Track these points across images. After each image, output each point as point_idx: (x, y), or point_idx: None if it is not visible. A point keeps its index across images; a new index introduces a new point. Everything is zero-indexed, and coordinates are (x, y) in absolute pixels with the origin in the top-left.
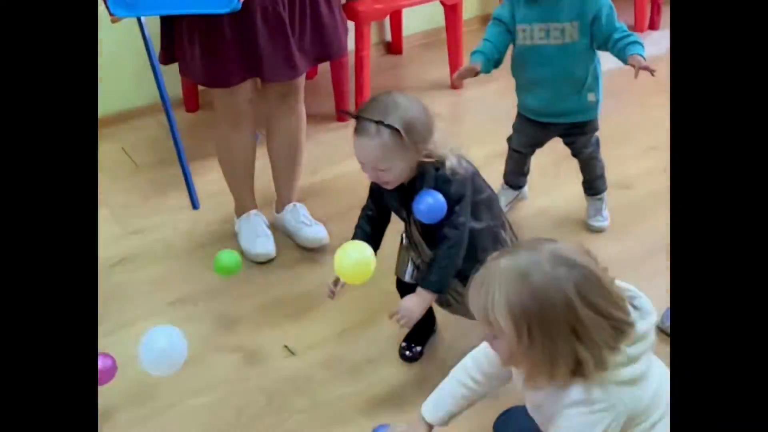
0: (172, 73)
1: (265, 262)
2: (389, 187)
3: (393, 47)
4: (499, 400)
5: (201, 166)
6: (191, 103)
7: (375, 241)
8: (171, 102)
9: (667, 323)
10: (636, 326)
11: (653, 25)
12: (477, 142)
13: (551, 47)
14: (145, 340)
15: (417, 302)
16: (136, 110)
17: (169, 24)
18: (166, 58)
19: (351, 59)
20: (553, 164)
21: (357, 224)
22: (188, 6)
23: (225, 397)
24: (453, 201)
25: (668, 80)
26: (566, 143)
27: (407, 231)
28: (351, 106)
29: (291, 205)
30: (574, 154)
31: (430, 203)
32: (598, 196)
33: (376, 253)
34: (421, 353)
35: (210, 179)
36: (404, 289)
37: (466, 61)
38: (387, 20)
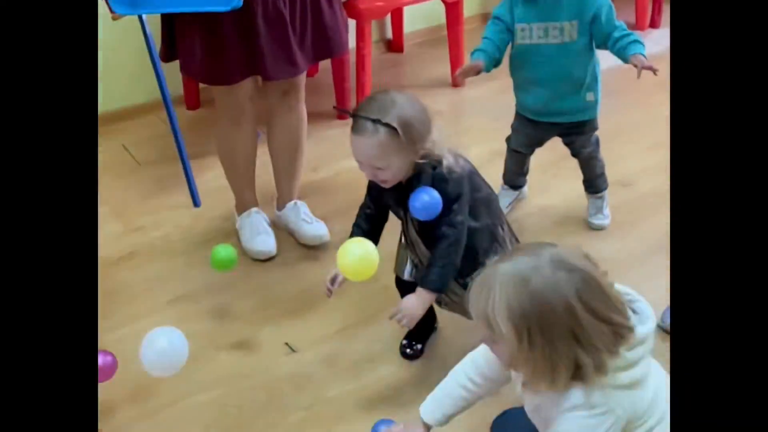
0: (173, 71)
1: (266, 260)
2: (387, 185)
3: (394, 45)
4: (498, 401)
5: (202, 163)
6: (192, 100)
7: (372, 239)
8: (172, 99)
9: (667, 321)
10: (635, 330)
11: (654, 24)
12: (478, 141)
13: (550, 46)
14: (146, 340)
15: (417, 302)
16: (137, 107)
17: (169, 21)
18: (167, 55)
19: (352, 57)
20: (553, 162)
21: (355, 222)
22: (189, 4)
23: (226, 394)
24: (451, 200)
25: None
26: (565, 143)
27: (404, 230)
28: (352, 104)
29: (292, 202)
30: (574, 154)
31: (426, 200)
32: (599, 195)
33: None
34: (421, 351)
35: (211, 177)
36: (403, 287)
37: (466, 60)
38: (388, 18)
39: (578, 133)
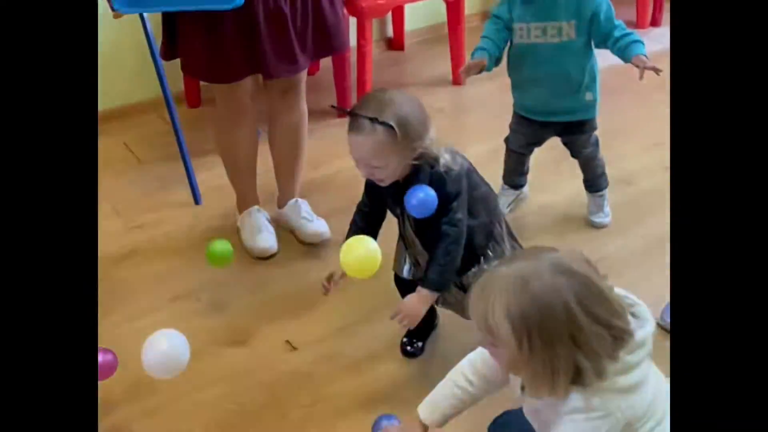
0: (174, 69)
1: (267, 258)
2: (384, 184)
3: (395, 43)
4: (496, 403)
5: (203, 161)
6: (193, 98)
7: (370, 237)
8: (173, 97)
9: (667, 319)
10: (635, 334)
11: (655, 22)
12: (478, 138)
13: (548, 46)
14: (148, 343)
15: (418, 302)
16: (138, 105)
17: (170, 20)
18: (168, 53)
19: (353, 55)
20: (554, 161)
21: (352, 220)
22: (191, 2)
23: (226, 392)
24: (449, 198)
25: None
26: (564, 143)
27: (401, 228)
28: (353, 103)
29: (293, 200)
30: (574, 155)
31: (422, 198)
32: (600, 193)
33: None
34: (422, 348)
35: (212, 175)
36: (402, 284)
37: (467, 58)
38: (389, 16)
39: (577, 133)
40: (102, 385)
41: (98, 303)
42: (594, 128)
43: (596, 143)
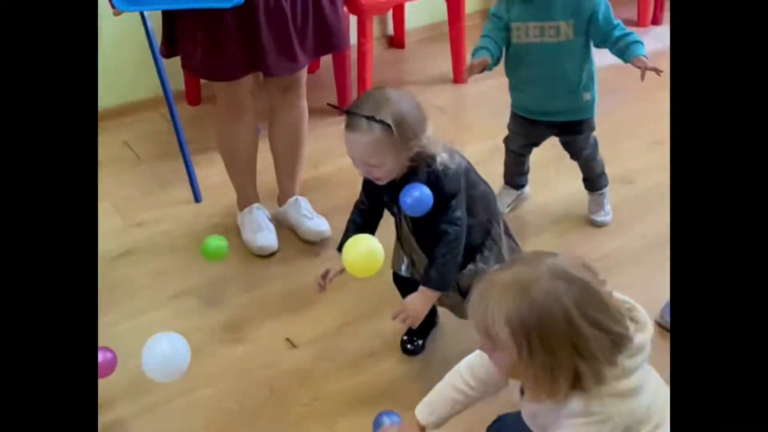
0: (174, 66)
1: (267, 256)
2: (381, 182)
3: (395, 41)
4: (494, 404)
5: (203, 159)
6: (193, 96)
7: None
8: (173, 95)
9: (667, 318)
10: (634, 339)
11: (656, 21)
12: (479, 137)
13: (546, 46)
14: (148, 346)
15: (420, 301)
16: (138, 103)
17: (171, 17)
18: (168, 51)
19: (353, 53)
20: (554, 160)
21: (349, 218)
22: (192, 1)
23: (227, 389)
24: (447, 197)
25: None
26: (563, 144)
27: (397, 226)
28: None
29: (293, 198)
30: (573, 156)
31: (417, 196)
32: (599, 192)
33: None
34: (422, 346)
35: (212, 172)
36: (401, 282)
37: (468, 56)
38: (389, 14)
39: (575, 133)
40: (101, 383)
41: (98, 301)
42: (592, 128)
43: (595, 144)
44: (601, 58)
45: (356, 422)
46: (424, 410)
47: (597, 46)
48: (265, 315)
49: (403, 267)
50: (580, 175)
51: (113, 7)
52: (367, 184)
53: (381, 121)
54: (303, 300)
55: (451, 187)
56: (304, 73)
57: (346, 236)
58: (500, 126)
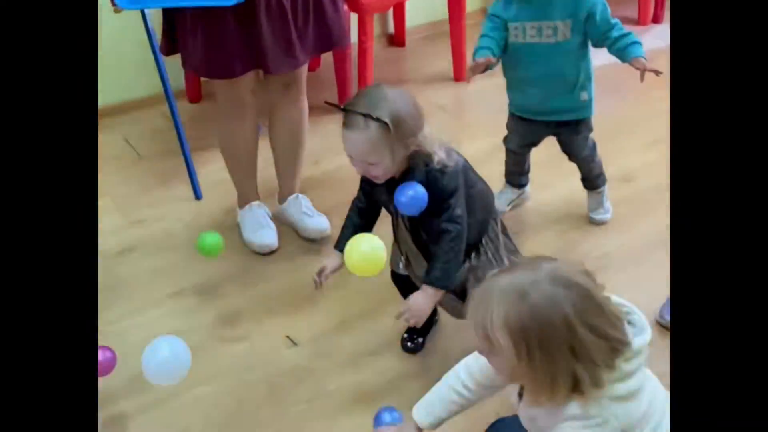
0: (174, 64)
1: (268, 254)
2: (378, 180)
3: (396, 39)
4: (495, 402)
5: (203, 156)
6: (194, 93)
7: (364, 233)
8: (174, 92)
9: (667, 317)
10: (632, 343)
11: (656, 19)
12: (480, 135)
13: (543, 45)
14: (149, 350)
15: (424, 300)
16: (138, 101)
17: (171, 15)
18: (168, 49)
19: (354, 51)
20: (554, 158)
21: (347, 215)
22: None
23: (227, 387)
24: (447, 195)
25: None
26: (561, 144)
27: (394, 225)
28: None
29: (293, 196)
30: (571, 158)
31: (411, 195)
32: (598, 190)
33: None
34: (422, 344)
35: (212, 170)
36: (399, 280)
37: (468, 55)
38: (390, 12)
39: (573, 133)
40: (101, 380)
41: (98, 298)
42: (590, 129)
43: (593, 146)
44: (601, 56)
45: (356, 420)
46: (421, 411)
47: (595, 45)
48: (265, 313)
49: (401, 265)
50: (579, 174)
51: (114, 4)
52: (365, 183)
53: (378, 119)
54: (303, 298)
55: (450, 185)
56: (304, 71)
57: (344, 234)
58: (501, 124)
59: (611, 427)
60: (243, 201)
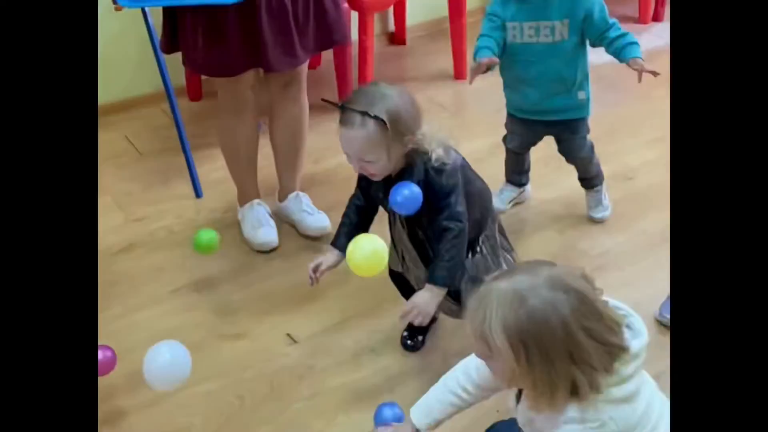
0: (175, 61)
1: (268, 251)
2: (376, 179)
3: (396, 37)
4: (493, 402)
5: (204, 154)
6: (194, 91)
7: (361, 230)
8: (174, 90)
9: (667, 315)
10: (630, 346)
11: (657, 17)
12: (480, 133)
13: (541, 45)
14: (149, 355)
15: (428, 299)
16: (139, 98)
17: (172, 13)
18: (168, 46)
19: (354, 50)
20: (554, 156)
21: (344, 213)
22: None
23: (227, 384)
24: (446, 192)
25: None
26: (559, 143)
27: (391, 223)
28: None
29: (294, 194)
30: (569, 160)
31: (406, 195)
32: (596, 189)
33: None
34: (423, 342)
35: (213, 168)
36: (397, 278)
37: (469, 53)
38: (391, 10)
39: (571, 133)
40: (102, 378)
41: (99, 295)
42: (587, 130)
43: (591, 148)
44: (602, 54)
45: (356, 418)
46: (419, 412)
47: (593, 45)
48: (265, 310)
49: (399, 263)
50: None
51: (115, 2)
52: (363, 180)
53: (375, 117)
54: (303, 296)
55: (449, 183)
56: (304, 69)
57: (341, 231)
58: (501, 122)
59: (609, 429)
60: (243, 199)
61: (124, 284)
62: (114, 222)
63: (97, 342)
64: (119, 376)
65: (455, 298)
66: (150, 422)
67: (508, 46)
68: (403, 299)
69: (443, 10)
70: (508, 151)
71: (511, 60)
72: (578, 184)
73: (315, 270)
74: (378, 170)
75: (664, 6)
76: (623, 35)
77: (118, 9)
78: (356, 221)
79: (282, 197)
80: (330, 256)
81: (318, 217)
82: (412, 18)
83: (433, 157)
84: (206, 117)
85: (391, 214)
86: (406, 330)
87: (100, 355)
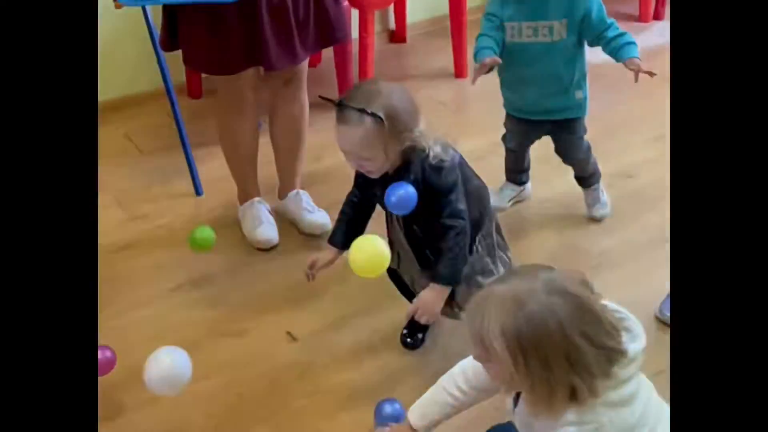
0: (175, 59)
1: (268, 249)
2: (373, 176)
3: (397, 35)
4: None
5: (204, 152)
6: (195, 89)
7: (358, 227)
8: (174, 88)
9: (667, 313)
10: (628, 352)
11: (657, 16)
12: (480, 131)
13: (539, 45)
14: (150, 361)
15: (433, 297)
16: (139, 96)
17: (172, 11)
18: (168, 44)
19: (355, 47)
20: (554, 155)
21: (341, 210)
22: None
23: (227, 382)
24: (446, 190)
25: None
26: (556, 143)
27: (388, 221)
28: None
29: (294, 191)
30: (566, 161)
31: (401, 195)
32: (593, 187)
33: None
34: (422, 340)
35: (213, 166)
36: (394, 275)
37: (469, 51)
38: (391, 8)
39: (568, 133)
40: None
41: (99, 293)
42: (584, 130)
43: (588, 148)
44: (601, 53)
45: (356, 415)
46: (416, 413)
47: (590, 44)
48: (265, 308)
49: (395, 260)
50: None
51: (115, 0)
52: (360, 177)
53: (372, 114)
54: (303, 293)
55: (449, 180)
56: (305, 67)
57: (338, 228)
58: (502, 121)
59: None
60: (243, 197)
61: (125, 282)
62: (114, 220)
63: (97, 339)
64: (119, 373)
65: (449, 298)
66: (150, 419)
67: (507, 45)
68: (402, 297)
69: (444, 8)
70: (507, 149)
71: (509, 60)
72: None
73: (312, 266)
74: (375, 167)
75: (664, 4)
76: (621, 35)
77: (118, 7)
78: (353, 218)
79: (282, 195)
80: (326, 252)
81: (318, 215)
82: (412, 16)
83: (431, 154)
84: (206, 115)
85: (389, 213)
86: (405, 328)
87: (100, 355)
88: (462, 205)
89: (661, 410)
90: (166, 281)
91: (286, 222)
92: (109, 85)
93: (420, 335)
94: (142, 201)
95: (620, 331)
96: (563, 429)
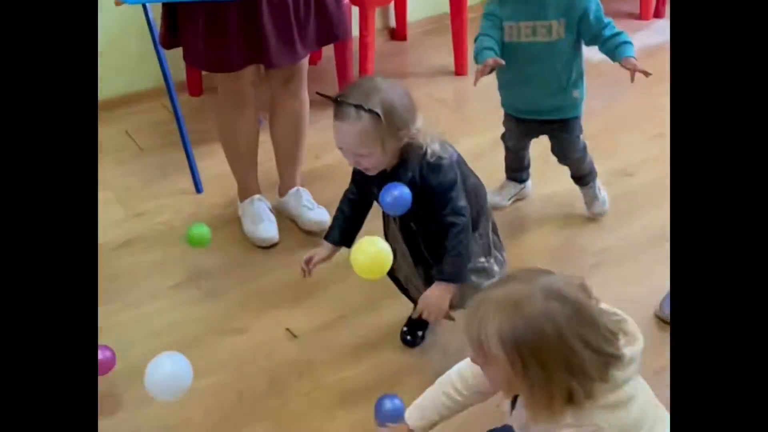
0: (176, 57)
1: (268, 247)
2: (370, 173)
3: (397, 33)
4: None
5: (204, 149)
6: (195, 86)
7: (355, 224)
8: (175, 85)
9: (667, 311)
10: (625, 355)
11: (658, 14)
12: (481, 129)
13: (538, 45)
14: (151, 366)
15: (439, 295)
16: (139, 93)
17: (172, 9)
18: (169, 42)
19: (355, 45)
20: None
21: (338, 207)
22: None
23: (227, 379)
24: (445, 187)
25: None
26: (553, 142)
27: (384, 219)
28: None
29: (294, 189)
30: (562, 161)
31: (396, 195)
32: (590, 185)
33: (355, 237)
34: (422, 338)
35: (213, 163)
36: (391, 273)
37: (470, 49)
38: (392, 6)
39: (565, 132)
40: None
41: (99, 290)
42: (581, 129)
43: (584, 148)
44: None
45: (356, 413)
46: (414, 414)
47: (587, 44)
48: (265, 305)
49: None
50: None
51: None
52: (357, 174)
53: (370, 110)
54: (303, 291)
55: (448, 178)
56: (305, 65)
57: (335, 225)
58: (502, 119)
59: None
60: (244, 194)
61: (124, 279)
62: (114, 217)
63: (97, 337)
64: (119, 371)
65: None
66: (149, 417)
67: (505, 45)
68: (402, 295)
69: (444, 5)
70: (506, 148)
71: (507, 59)
72: None
73: (308, 262)
74: (372, 164)
75: (665, 3)
76: (617, 34)
77: (118, 4)
78: (350, 215)
79: (282, 192)
80: (323, 249)
81: (318, 212)
82: (413, 14)
83: (429, 152)
84: (207, 112)
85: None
86: (405, 326)
87: (100, 355)
88: (463, 202)
89: (658, 412)
90: (166, 278)
91: (287, 219)
92: (110, 83)
93: (420, 333)
94: (143, 198)
95: (618, 335)
96: (561, 431)
